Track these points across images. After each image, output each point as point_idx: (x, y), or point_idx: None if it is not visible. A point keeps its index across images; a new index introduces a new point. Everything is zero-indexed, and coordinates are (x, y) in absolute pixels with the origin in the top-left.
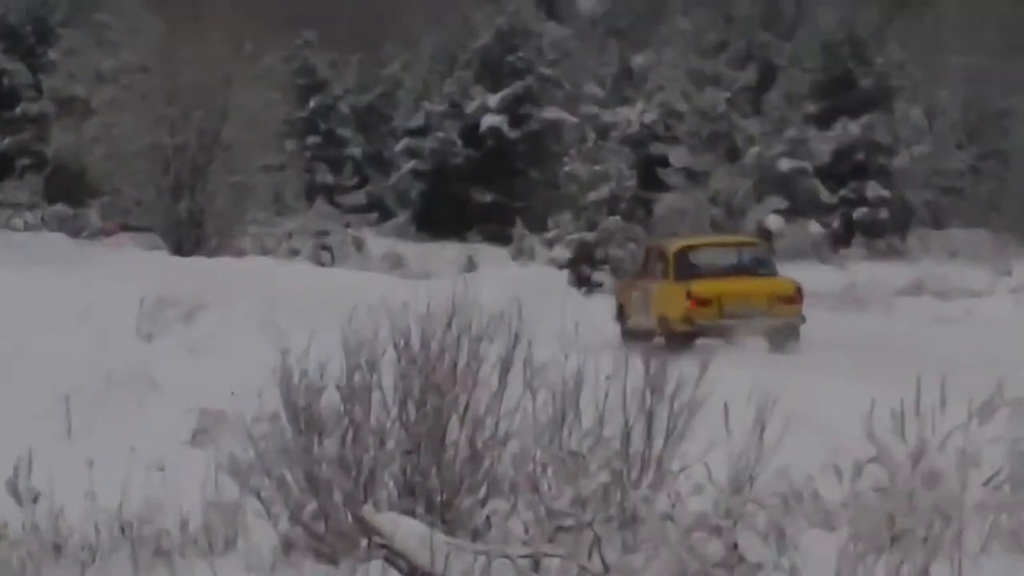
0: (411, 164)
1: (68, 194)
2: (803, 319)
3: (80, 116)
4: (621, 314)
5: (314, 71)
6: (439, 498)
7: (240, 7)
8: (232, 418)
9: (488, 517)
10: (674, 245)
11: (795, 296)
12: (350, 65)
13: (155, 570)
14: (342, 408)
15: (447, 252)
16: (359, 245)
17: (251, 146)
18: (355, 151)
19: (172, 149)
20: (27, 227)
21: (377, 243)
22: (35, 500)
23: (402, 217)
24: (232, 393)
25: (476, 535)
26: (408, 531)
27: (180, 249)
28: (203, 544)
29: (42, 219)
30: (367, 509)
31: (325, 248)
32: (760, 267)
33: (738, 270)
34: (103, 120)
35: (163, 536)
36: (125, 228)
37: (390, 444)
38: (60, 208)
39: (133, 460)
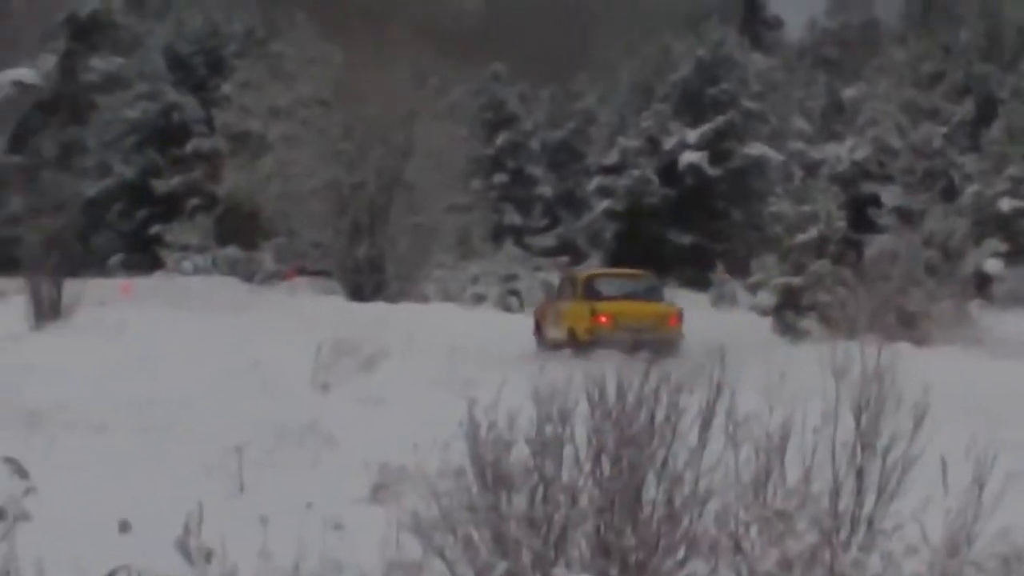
0: (605, 204)
1: (240, 236)
2: (682, 336)
3: (254, 153)
4: (538, 330)
5: (503, 105)
6: (634, 559)
7: (425, 36)
8: (414, 473)
9: None
10: (583, 274)
11: (676, 318)
12: (541, 99)
13: None
14: (532, 463)
15: None
16: (549, 290)
17: (435, 185)
18: (545, 190)
19: (350, 188)
20: (197, 270)
21: None
22: (207, 559)
23: (595, 260)
24: (415, 446)
25: None
26: None
27: (359, 294)
28: None
29: (213, 262)
30: (559, 571)
31: (513, 293)
32: (650, 293)
33: (632, 295)
34: (278, 157)
35: None
36: (301, 272)
37: (583, 501)
38: (232, 251)
39: (309, 517)
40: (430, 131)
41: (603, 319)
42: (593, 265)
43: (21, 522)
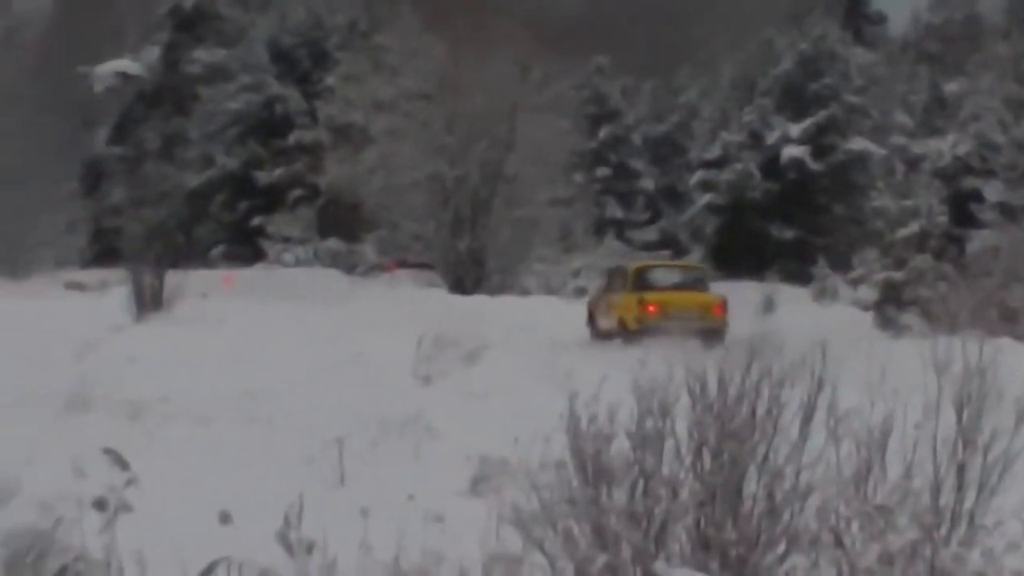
0: (707, 198)
1: (342, 228)
2: (727, 325)
3: (356, 145)
4: (591, 319)
5: (605, 99)
6: (735, 553)
7: (528, 29)
8: (515, 466)
9: (787, 574)
10: (632, 266)
11: (721, 307)
12: (643, 92)
13: None
14: (632, 456)
15: (743, 291)
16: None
17: (537, 178)
18: (648, 184)
19: (452, 181)
20: (298, 262)
21: None
22: (308, 551)
23: (696, 254)
24: (516, 439)
25: None
26: None
27: (460, 287)
28: None
29: (314, 254)
30: (659, 564)
31: None
32: (696, 284)
33: (679, 286)
34: (380, 149)
35: None
36: (403, 265)
37: (683, 495)
38: (333, 243)
39: (410, 509)
40: (532, 124)
41: (651, 308)
42: (694, 259)
43: (122, 513)
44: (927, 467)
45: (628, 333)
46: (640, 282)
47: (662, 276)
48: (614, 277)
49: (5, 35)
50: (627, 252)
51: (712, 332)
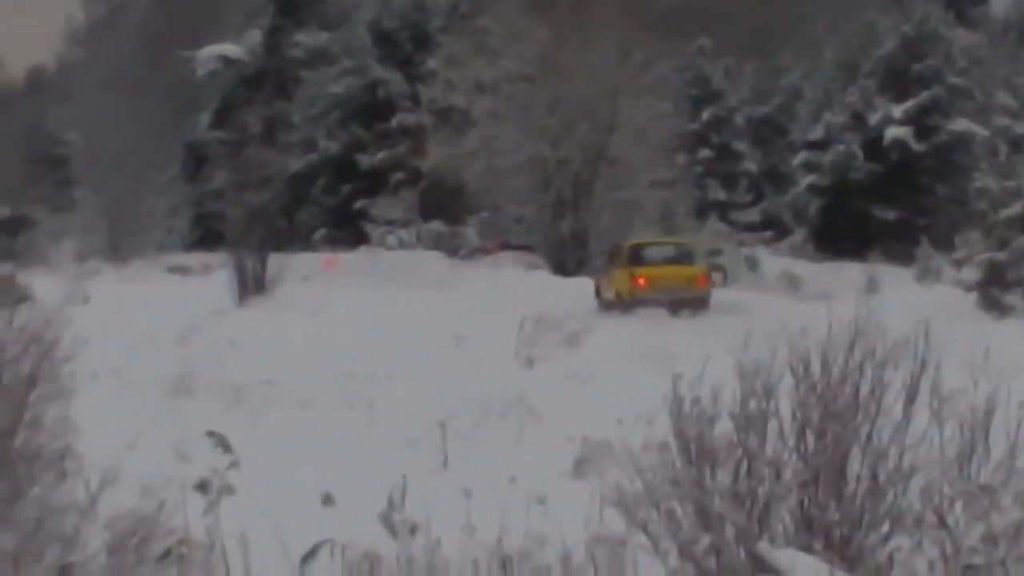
0: (809, 179)
1: (444, 211)
2: (710, 294)
3: (458, 128)
4: (597, 292)
5: (707, 81)
6: (838, 533)
7: (629, 11)
8: (618, 447)
9: (891, 554)
10: (628, 243)
11: (704, 278)
12: (745, 74)
13: None
14: (736, 437)
15: (846, 272)
16: (753, 265)
17: (639, 161)
18: (750, 166)
19: (554, 163)
20: (401, 245)
21: (772, 262)
22: (411, 533)
23: (799, 235)
24: (619, 421)
25: (878, 573)
26: (806, 568)
27: (562, 269)
28: None
29: (417, 237)
30: (762, 545)
31: (717, 268)
32: (684, 258)
33: (668, 260)
34: (482, 132)
35: (545, 572)
36: (505, 247)
37: (786, 476)
38: (436, 225)
39: (512, 491)
40: (634, 107)
41: (641, 281)
42: (796, 240)
43: (225, 496)
44: None
45: (623, 303)
46: (633, 258)
47: (652, 252)
48: (615, 254)
49: (108, 19)
50: (729, 234)
51: (696, 300)
